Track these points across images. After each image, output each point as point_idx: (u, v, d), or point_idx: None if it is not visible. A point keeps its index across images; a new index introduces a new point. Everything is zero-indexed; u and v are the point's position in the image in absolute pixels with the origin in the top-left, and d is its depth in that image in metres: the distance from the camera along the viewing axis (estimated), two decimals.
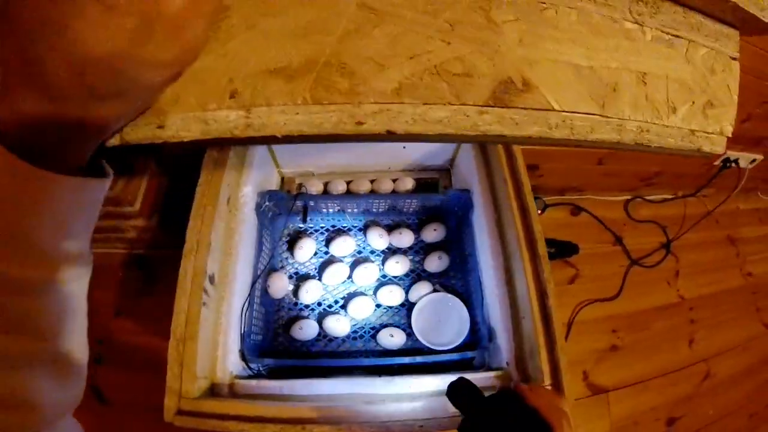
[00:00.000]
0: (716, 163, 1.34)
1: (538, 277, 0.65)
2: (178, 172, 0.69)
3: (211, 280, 0.65)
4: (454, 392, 0.42)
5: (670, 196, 1.48)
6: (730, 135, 0.31)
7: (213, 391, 0.62)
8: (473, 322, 0.77)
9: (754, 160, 1.36)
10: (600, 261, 1.35)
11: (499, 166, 0.73)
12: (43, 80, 0.20)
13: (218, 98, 0.24)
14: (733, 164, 1.34)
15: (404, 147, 0.88)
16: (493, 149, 0.75)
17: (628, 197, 1.45)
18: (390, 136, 0.23)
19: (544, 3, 0.27)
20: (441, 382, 0.61)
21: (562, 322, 1.24)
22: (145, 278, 1.21)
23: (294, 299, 0.82)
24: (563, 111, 0.25)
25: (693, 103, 0.31)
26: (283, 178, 0.97)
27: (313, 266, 0.86)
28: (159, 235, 1.20)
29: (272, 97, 0.23)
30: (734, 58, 0.33)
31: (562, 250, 1.25)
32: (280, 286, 0.81)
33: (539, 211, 1.33)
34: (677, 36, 0.31)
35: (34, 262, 0.24)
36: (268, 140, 0.24)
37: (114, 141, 0.27)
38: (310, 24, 0.23)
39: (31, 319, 0.25)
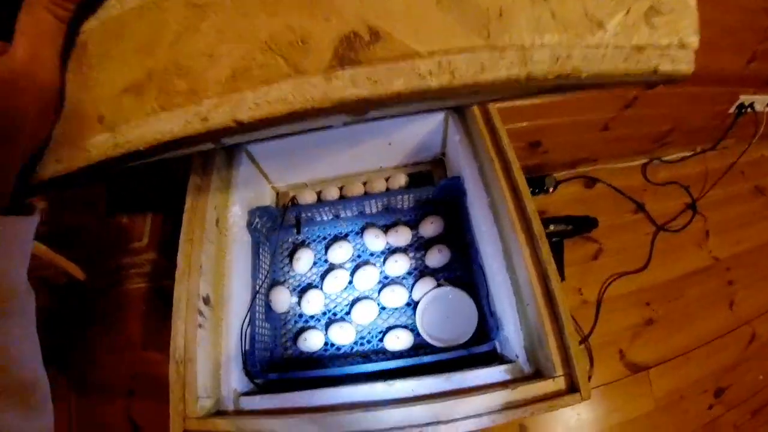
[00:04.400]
0: (731, 110, 1.24)
1: (537, 259, 0.61)
2: (181, 205, 0.71)
3: (206, 301, 0.65)
4: None
5: (688, 154, 1.38)
6: (696, 46, 0.24)
7: (218, 409, 0.62)
8: (481, 314, 0.74)
9: None
10: (623, 232, 1.27)
11: (483, 146, 0.70)
12: None
13: (90, 126, 0.25)
14: (749, 109, 1.24)
15: (390, 144, 0.86)
16: (477, 129, 0.72)
17: (644, 161, 1.37)
18: (241, 127, 0.22)
19: None
20: (445, 382, 0.58)
21: (591, 300, 1.18)
22: (166, 309, 1.24)
23: (299, 311, 0.82)
24: (433, 53, 0.21)
25: (627, 11, 0.24)
26: (277, 193, 0.97)
27: (315, 276, 0.85)
28: (172, 267, 1.23)
29: (129, 114, 0.24)
30: None
31: (579, 226, 1.18)
32: (282, 299, 0.80)
33: (550, 189, 1.28)
34: None
35: None
36: (136, 156, 0.23)
37: (32, 181, 0.30)
38: (147, 36, 0.23)
39: None
